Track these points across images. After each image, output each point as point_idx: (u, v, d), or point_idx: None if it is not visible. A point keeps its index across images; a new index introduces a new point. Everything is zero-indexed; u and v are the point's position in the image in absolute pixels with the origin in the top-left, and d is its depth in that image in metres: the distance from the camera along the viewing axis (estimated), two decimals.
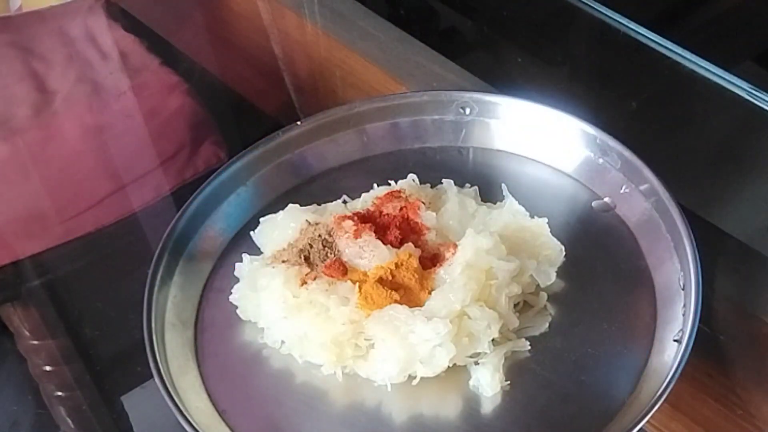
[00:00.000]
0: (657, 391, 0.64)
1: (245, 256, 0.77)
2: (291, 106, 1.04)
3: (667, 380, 0.65)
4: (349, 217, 0.76)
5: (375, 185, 0.81)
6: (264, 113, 1.03)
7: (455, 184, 0.81)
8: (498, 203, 0.80)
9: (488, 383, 0.69)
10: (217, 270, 0.79)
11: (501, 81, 0.96)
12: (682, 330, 0.68)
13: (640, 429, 0.64)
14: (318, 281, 0.73)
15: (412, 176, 0.81)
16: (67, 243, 0.90)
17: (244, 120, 1.03)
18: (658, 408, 0.64)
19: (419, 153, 0.87)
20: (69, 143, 0.98)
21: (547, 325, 0.72)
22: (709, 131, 0.94)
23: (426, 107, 0.87)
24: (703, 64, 0.92)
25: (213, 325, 0.76)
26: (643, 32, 0.95)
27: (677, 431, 0.71)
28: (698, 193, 0.85)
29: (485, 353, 0.69)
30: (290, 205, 0.80)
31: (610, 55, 0.99)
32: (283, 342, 0.73)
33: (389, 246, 0.74)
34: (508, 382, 0.69)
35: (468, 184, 0.82)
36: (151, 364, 0.70)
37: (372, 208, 0.78)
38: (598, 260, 0.76)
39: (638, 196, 0.78)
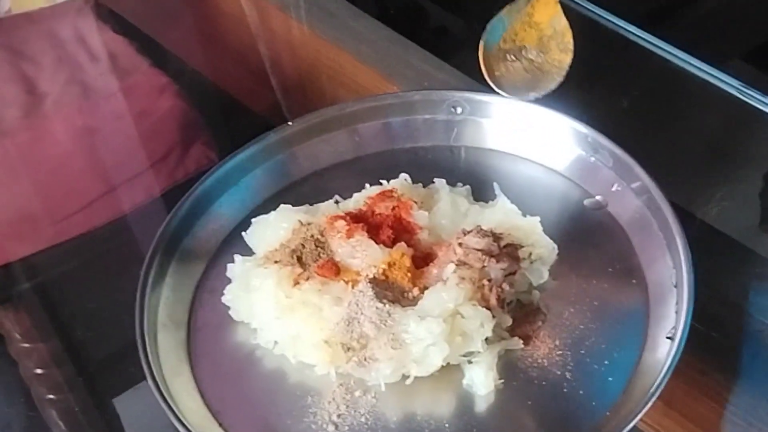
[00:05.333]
0: (650, 389, 0.65)
1: (237, 257, 0.77)
2: (281, 107, 1.04)
3: (660, 377, 0.65)
4: (342, 217, 0.76)
5: (367, 185, 0.81)
6: (255, 114, 1.03)
7: (447, 183, 0.81)
8: (490, 202, 0.80)
9: (482, 382, 0.69)
10: (210, 271, 0.79)
11: None
12: (674, 327, 0.68)
13: (633, 426, 0.64)
14: (311, 281, 0.73)
15: (404, 176, 0.81)
16: (58, 245, 0.90)
17: (235, 121, 1.02)
18: (651, 405, 0.64)
19: (411, 152, 0.87)
20: (59, 145, 0.97)
21: (539, 323, 0.72)
22: (699, 129, 0.94)
23: (417, 107, 0.87)
24: (693, 62, 0.92)
25: (206, 326, 0.76)
26: (633, 30, 0.96)
27: (670, 428, 0.71)
28: (690, 190, 0.85)
29: (479, 352, 0.69)
30: (282, 205, 0.80)
31: (601, 53, 0.99)
32: (276, 342, 0.73)
33: (382, 245, 0.74)
34: (502, 380, 0.69)
35: (460, 183, 0.82)
36: (144, 366, 0.70)
37: (364, 208, 0.78)
38: (590, 258, 0.76)
39: (630, 194, 0.78)
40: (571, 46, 0.82)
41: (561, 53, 0.82)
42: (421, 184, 0.81)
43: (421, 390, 0.69)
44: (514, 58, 0.83)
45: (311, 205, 0.80)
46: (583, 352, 0.70)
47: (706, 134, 0.94)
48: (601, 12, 0.97)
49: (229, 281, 0.77)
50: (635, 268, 0.75)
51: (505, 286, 0.72)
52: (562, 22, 0.83)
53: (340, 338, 0.70)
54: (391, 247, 0.74)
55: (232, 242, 0.80)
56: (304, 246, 0.75)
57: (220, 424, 0.69)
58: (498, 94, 0.83)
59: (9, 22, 1.12)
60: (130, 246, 0.91)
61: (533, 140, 0.84)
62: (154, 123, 0.99)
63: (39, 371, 0.84)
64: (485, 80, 0.82)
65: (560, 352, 0.70)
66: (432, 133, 0.87)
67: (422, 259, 0.74)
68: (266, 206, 0.81)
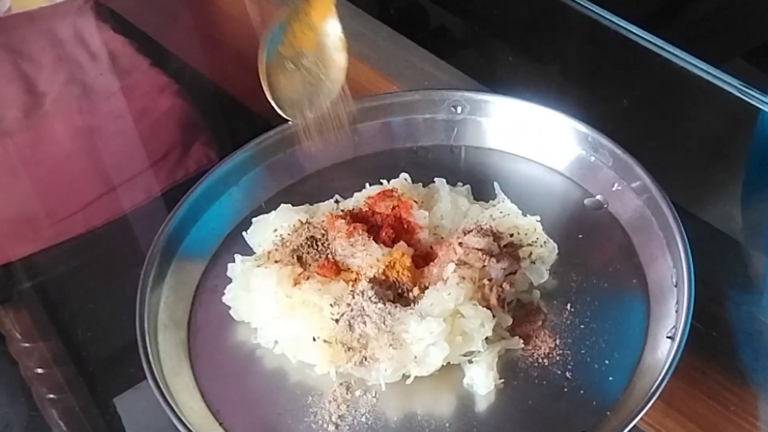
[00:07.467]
0: (650, 388, 0.65)
1: (238, 257, 0.77)
2: None
3: (660, 377, 0.65)
4: (342, 217, 0.76)
5: (367, 184, 0.81)
6: (255, 113, 1.03)
7: (447, 182, 0.81)
8: (490, 202, 0.80)
9: (482, 381, 0.69)
10: (210, 271, 0.79)
11: (492, 79, 0.96)
12: (675, 327, 0.68)
13: (634, 426, 0.64)
14: (311, 281, 0.73)
15: (404, 175, 0.81)
16: (58, 245, 0.90)
17: (235, 120, 1.02)
18: (652, 405, 0.64)
19: (411, 152, 0.87)
20: (59, 145, 0.97)
21: (540, 323, 0.72)
22: (699, 128, 0.94)
23: (417, 106, 0.87)
24: (693, 62, 0.92)
25: (206, 325, 0.76)
26: (633, 30, 0.95)
27: (670, 428, 0.71)
28: (690, 189, 0.85)
29: (479, 352, 0.69)
30: (282, 205, 0.80)
31: (601, 53, 0.99)
32: (276, 342, 0.73)
33: (382, 245, 0.74)
34: (502, 380, 0.69)
35: (460, 183, 0.82)
36: (144, 366, 0.70)
37: (364, 208, 0.78)
38: (590, 258, 0.76)
39: (630, 194, 0.78)
40: (342, 56, 0.75)
41: (335, 68, 0.76)
42: (421, 184, 0.81)
43: (422, 390, 0.69)
44: (293, 66, 0.75)
45: (311, 204, 0.80)
46: (583, 351, 0.70)
47: (706, 133, 0.94)
48: (601, 12, 0.97)
49: (230, 281, 0.77)
50: (635, 268, 0.75)
51: (506, 286, 0.72)
52: (338, 28, 0.76)
53: (340, 338, 0.70)
54: (392, 247, 0.74)
55: (233, 242, 0.80)
56: (304, 246, 0.75)
57: (221, 424, 0.69)
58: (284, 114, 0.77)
59: (9, 21, 1.12)
60: (129, 246, 0.91)
61: (533, 140, 0.84)
62: (154, 123, 0.99)
63: (40, 371, 0.84)
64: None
65: (560, 351, 0.70)
66: (432, 132, 0.87)
67: (422, 259, 0.74)
68: (266, 206, 0.81)
